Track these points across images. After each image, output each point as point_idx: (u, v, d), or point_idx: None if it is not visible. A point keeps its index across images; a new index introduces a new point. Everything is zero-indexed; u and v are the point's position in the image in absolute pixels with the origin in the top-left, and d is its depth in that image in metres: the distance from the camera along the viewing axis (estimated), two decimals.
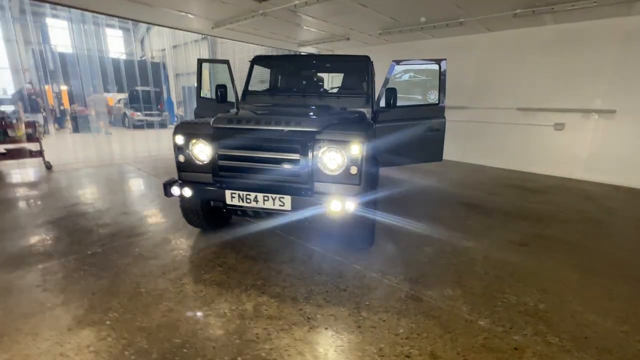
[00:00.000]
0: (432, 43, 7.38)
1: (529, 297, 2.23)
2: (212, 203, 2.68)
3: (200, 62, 4.03)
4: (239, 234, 3.12)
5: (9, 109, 12.70)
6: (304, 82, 3.89)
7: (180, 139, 2.56)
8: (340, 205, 2.24)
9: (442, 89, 3.59)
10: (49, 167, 5.78)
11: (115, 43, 22.63)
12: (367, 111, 3.36)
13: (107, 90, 17.41)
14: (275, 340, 1.76)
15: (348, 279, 2.40)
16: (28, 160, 5.81)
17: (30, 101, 10.91)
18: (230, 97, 3.63)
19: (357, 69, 3.63)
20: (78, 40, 17.90)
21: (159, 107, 14.86)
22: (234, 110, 2.91)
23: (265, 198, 2.35)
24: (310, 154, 2.28)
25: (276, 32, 7.29)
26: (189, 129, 2.56)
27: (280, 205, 2.35)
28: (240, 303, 2.08)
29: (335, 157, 2.32)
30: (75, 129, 12.20)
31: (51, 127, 11.74)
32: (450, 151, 7.40)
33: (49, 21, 17.99)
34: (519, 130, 6.51)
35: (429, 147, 3.71)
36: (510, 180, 5.69)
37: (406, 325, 1.90)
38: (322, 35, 7.55)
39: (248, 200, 2.39)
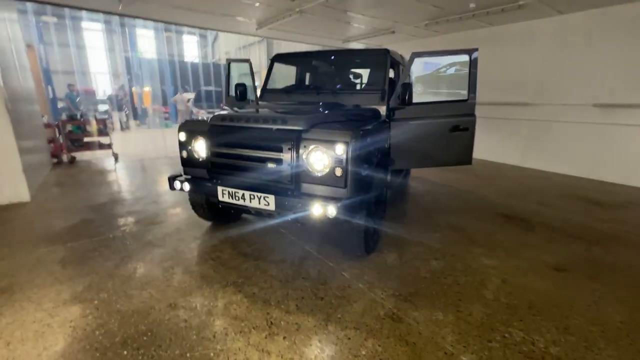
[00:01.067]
0: (489, 32, 6.58)
1: (541, 335, 1.82)
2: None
3: (228, 62, 4.21)
4: (244, 230, 3.18)
5: (104, 108, 15.08)
6: (322, 79, 3.79)
7: (183, 136, 2.69)
8: (322, 209, 2.11)
9: (472, 83, 3.14)
10: (116, 158, 6.67)
11: (191, 48, 25.18)
12: (381, 108, 3.13)
13: (185, 90, 19.47)
14: (229, 342, 1.73)
15: (331, 287, 2.26)
16: (100, 152, 6.78)
17: (117, 101, 12.75)
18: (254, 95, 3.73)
19: (375, 63, 3.39)
20: (161, 47, 20.43)
21: (220, 105, 16.08)
22: (252, 107, 2.94)
23: (252, 196, 2.34)
24: (294, 154, 2.19)
25: (318, 30, 7.27)
26: (191, 126, 2.68)
27: (265, 205, 2.31)
28: (214, 299, 2.10)
29: (321, 157, 2.20)
30: (153, 125, 13.94)
31: (132, 123, 13.58)
32: (507, 154, 6.59)
33: (138, 31, 20.80)
34: (595, 130, 5.42)
35: (455, 149, 3.29)
36: (577, 191, 4.78)
37: (372, 347, 1.71)
38: (365, 30, 7.30)
39: (237, 198, 2.41)
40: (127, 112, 13.29)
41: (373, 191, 2.46)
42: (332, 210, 2.09)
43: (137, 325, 1.85)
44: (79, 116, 6.25)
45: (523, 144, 6.39)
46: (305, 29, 7.20)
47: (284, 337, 1.77)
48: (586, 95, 5.42)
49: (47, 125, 5.92)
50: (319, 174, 2.22)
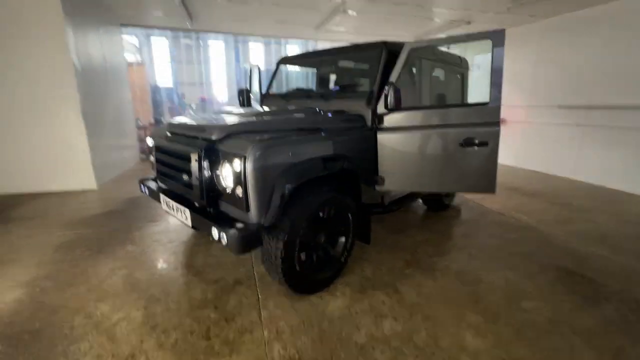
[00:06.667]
0: (612, 8, 4.74)
1: None
2: None
3: (250, 67, 4.21)
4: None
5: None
6: (326, 80, 3.37)
7: (150, 141, 2.76)
8: (217, 233, 1.80)
9: (495, 79, 2.22)
10: None
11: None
12: (367, 114, 2.54)
13: None
14: None
15: (233, 326, 1.90)
16: None
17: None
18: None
19: (368, 60, 2.79)
20: (268, 57, 22.91)
21: None
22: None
23: (177, 208, 2.20)
24: (203, 165, 1.93)
25: (380, 28, 6.67)
26: (156, 132, 2.73)
27: (184, 219, 2.13)
28: (117, 311, 2.03)
29: (228, 172, 1.88)
30: None
31: None
32: (617, 175, 4.65)
33: (251, 45, 23.76)
34: None
35: (470, 170, 2.39)
36: None
37: None
38: (437, 24, 6.31)
39: (170, 208, 2.31)
40: None
41: (306, 218, 1.96)
42: (224, 238, 1.75)
43: (35, 322, 1.93)
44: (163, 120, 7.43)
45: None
46: (365, 29, 6.72)
47: None
48: None
49: (140, 127, 7.22)
50: (229, 191, 1.90)
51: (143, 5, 5.46)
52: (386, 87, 2.31)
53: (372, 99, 2.52)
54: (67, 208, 3.99)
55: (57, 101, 4.37)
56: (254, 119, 2.16)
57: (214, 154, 1.93)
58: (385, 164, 2.56)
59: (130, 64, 7.20)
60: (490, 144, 2.29)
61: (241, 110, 2.70)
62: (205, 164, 1.92)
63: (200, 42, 20.91)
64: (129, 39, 13.98)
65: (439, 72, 3.54)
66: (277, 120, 2.22)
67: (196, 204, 2.11)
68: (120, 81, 6.27)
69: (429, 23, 6.38)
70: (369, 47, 2.71)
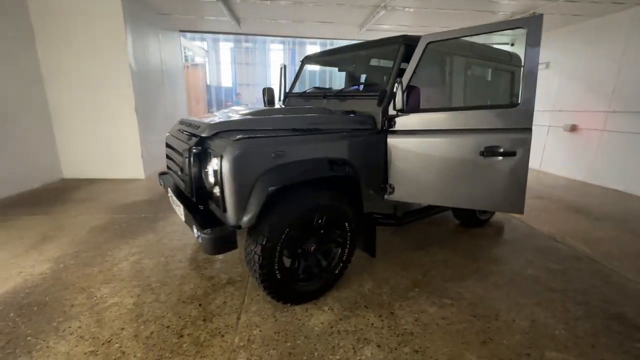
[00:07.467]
0: None
1: None
2: None
3: (281, 68, 4.22)
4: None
5: None
6: (348, 78, 3.21)
7: (167, 137, 2.90)
8: (196, 232, 1.78)
9: (528, 76, 1.83)
10: None
11: None
12: (378, 115, 2.33)
13: None
14: (62, 343, 1.73)
15: (209, 326, 1.87)
16: None
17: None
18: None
19: (386, 57, 2.55)
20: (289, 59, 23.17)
21: None
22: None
23: (176, 203, 2.25)
24: (191, 162, 1.93)
25: (429, 25, 6.21)
26: (172, 129, 2.85)
27: (180, 214, 2.18)
28: (113, 296, 2.15)
29: (210, 171, 1.85)
30: None
31: None
32: None
33: (308, 47, 24.33)
34: None
35: (493, 185, 2.02)
36: None
37: None
38: (494, 17, 5.66)
39: (172, 202, 2.38)
40: None
41: (289, 223, 1.84)
42: (200, 238, 1.72)
43: (46, 296, 2.13)
44: None
45: None
46: (414, 26, 6.33)
47: None
48: None
49: None
50: (212, 190, 1.87)
51: (197, 12, 5.86)
52: (395, 86, 2.07)
53: (383, 99, 2.30)
54: (113, 194, 4.43)
55: (115, 100, 4.90)
56: (248, 117, 2.11)
57: (202, 152, 1.93)
58: (396, 171, 2.31)
59: (186, 66, 7.81)
60: (518, 154, 1.92)
61: (249, 109, 2.69)
62: (193, 161, 1.92)
63: (258, 45, 22.05)
64: (200, 44, 15.32)
65: (479, 70, 3.14)
66: (270, 119, 2.12)
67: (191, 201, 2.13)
68: (174, 82, 6.84)
69: (489, 17, 5.74)
70: (387, 42, 2.48)
